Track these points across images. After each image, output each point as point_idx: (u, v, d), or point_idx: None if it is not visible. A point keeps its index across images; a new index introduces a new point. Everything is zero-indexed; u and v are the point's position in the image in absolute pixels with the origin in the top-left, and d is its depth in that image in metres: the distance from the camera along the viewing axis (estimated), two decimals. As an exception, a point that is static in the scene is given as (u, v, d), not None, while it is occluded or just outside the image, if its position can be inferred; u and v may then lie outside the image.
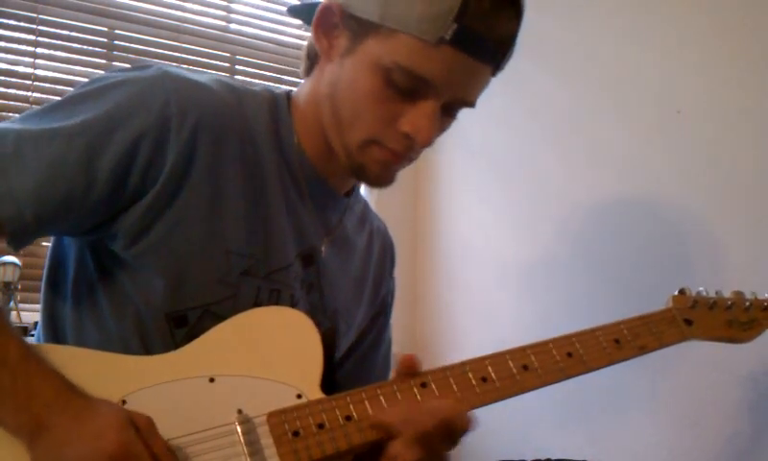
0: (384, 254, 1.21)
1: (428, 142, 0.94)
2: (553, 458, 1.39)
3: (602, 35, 1.81)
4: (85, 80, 1.02)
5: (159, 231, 0.88)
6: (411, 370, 0.92)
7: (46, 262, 0.99)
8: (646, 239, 1.63)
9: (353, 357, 1.17)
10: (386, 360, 1.23)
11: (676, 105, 1.60)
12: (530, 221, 1.97)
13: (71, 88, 1.11)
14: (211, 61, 2.28)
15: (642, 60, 1.69)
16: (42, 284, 0.98)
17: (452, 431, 0.87)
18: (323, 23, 0.95)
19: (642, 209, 1.65)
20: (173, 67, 0.94)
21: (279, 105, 1.01)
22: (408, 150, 0.96)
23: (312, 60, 1.01)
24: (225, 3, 2.34)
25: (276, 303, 0.96)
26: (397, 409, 0.88)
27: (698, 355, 1.46)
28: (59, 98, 0.92)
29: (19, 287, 1.85)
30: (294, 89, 1.07)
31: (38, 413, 0.73)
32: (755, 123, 1.44)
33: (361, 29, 0.91)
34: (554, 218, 1.89)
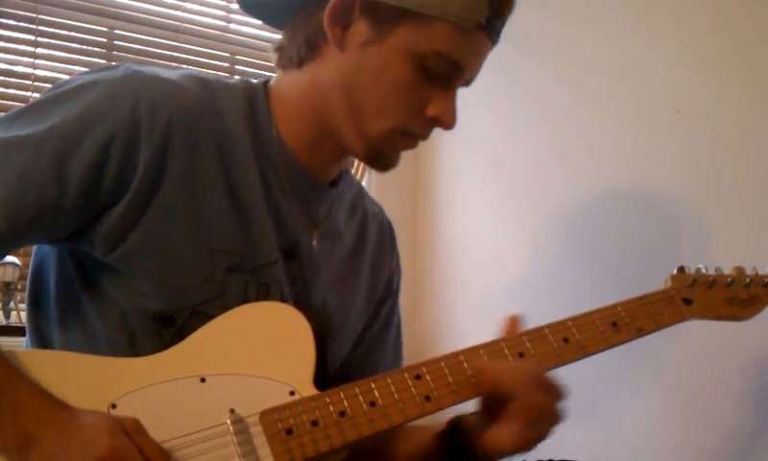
0: (382, 236, 1.19)
1: (455, 125, 0.97)
2: (555, 459, 1.38)
3: (602, 34, 1.80)
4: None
5: (138, 235, 0.87)
6: (514, 331, 0.96)
7: (29, 271, 0.97)
8: (646, 238, 1.62)
9: (362, 346, 1.16)
10: (396, 346, 1.22)
11: (676, 105, 1.59)
12: (530, 220, 1.96)
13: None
14: (211, 61, 2.28)
15: (642, 60, 1.68)
16: (26, 294, 0.97)
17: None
18: (338, 11, 0.93)
19: (642, 209, 1.65)
20: (142, 66, 0.92)
21: (257, 96, 1.00)
22: (429, 133, 0.99)
23: (312, 49, 0.98)
24: (225, 3, 2.33)
25: (266, 299, 0.95)
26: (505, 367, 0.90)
27: (699, 352, 1.46)
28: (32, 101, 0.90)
29: (19, 287, 1.85)
30: (270, 80, 1.04)
31: (26, 428, 0.72)
32: (755, 123, 1.44)
33: (389, 17, 0.91)
34: (554, 217, 1.88)
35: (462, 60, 0.93)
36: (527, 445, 0.89)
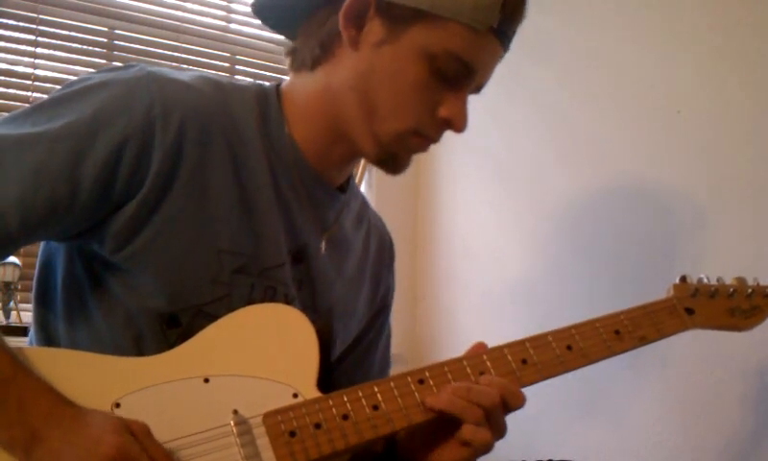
0: (381, 252, 1.20)
1: (465, 128, 0.97)
2: (555, 459, 1.39)
3: (602, 34, 1.80)
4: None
5: (147, 235, 0.87)
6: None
7: (36, 268, 0.97)
8: (646, 239, 1.63)
9: (353, 355, 1.17)
10: (385, 356, 1.23)
11: (676, 105, 1.59)
12: (530, 220, 1.97)
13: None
14: (211, 61, 2.28)
15: (642, 60, 1.68)
16: (33, 290, 0.97)
17: (506, 408, 0.90)
18: (353, 11, 0.94)
19: (642, 209, 1.65)
20: (157, 67, 0.92)
21: (269, 99, 1.00)
22: (440, 136, 0.99)
23: (326, 50, 0.98)
24: (225, 3, 2.33)
25: (271, 301, 0.96)
26: (452, 390, 0.89)
27: (700, 353, 1.46)
28: (44, 98, 0.91)
29: (19, 287, 1.85)
30: (282, 83, 1.05)
31: (33, 425, 0.72)
32: (755, 123, 1.44)
33: (403, 17, 0.92)
34: (554, 217, 1.88)
35: (473, 62, 0.94)
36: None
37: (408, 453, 0.96)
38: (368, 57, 0.94)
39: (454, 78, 0.94)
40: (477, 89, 1.00)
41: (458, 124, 0.97)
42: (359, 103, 0.95)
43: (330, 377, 1.04)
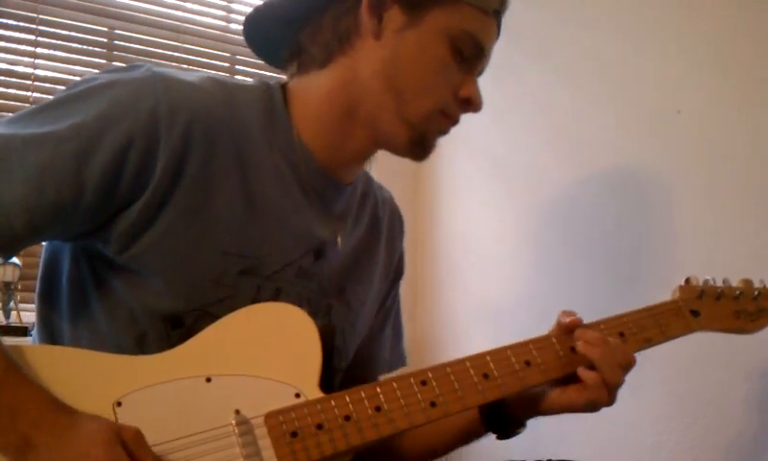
0: (393, 221, 1.22)
1: (481, 108, 1.03)
2: (554, 459, 1.39)
3: (602, 34, 1.80)
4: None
5: (152, 235, 0.87)
6: (570, 329, 1.01)
7: (40, 266, 0.97)
8: (647, 239, 1.63)
9: (374, 324, 1.19)
10: (398, 320, 1.27)
11: (676, 105, 1.59)
12: (530, 220, 1.97)
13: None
14: (211, 61, 2.28)
15: (642, 59, 1.68)
16: (36, 290, 0.97)
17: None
18: (373, 1, 0.97)
19: (642, 210, 1.65)
20: (162, 67, 0.92)
21: (275, 99, 1.00)
22: (459, 117, 1.04)
23: (342, 44, 0.99)
24: (225, 3, 2.33)
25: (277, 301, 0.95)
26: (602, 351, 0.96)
27: (700, 353, 1.46)
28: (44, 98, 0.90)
29: (19, 287, 1.85)
30: (287, 82, 1.05)
31: (25, 432, 0.71)
32: (754, 123, 1.44)
33: (420, 3, 0.96)
34: (554, 218, 1.88)
35: (483, 43, 0.99)
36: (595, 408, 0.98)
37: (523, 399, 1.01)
38: (390, 44, 0.97)
39: (469, 59, 0.99)
40: (479, 73, 1.04)
41: (477, 103, 1.02)
42: (386, 88, 0.98)
43: (333, 377, 1.04)
